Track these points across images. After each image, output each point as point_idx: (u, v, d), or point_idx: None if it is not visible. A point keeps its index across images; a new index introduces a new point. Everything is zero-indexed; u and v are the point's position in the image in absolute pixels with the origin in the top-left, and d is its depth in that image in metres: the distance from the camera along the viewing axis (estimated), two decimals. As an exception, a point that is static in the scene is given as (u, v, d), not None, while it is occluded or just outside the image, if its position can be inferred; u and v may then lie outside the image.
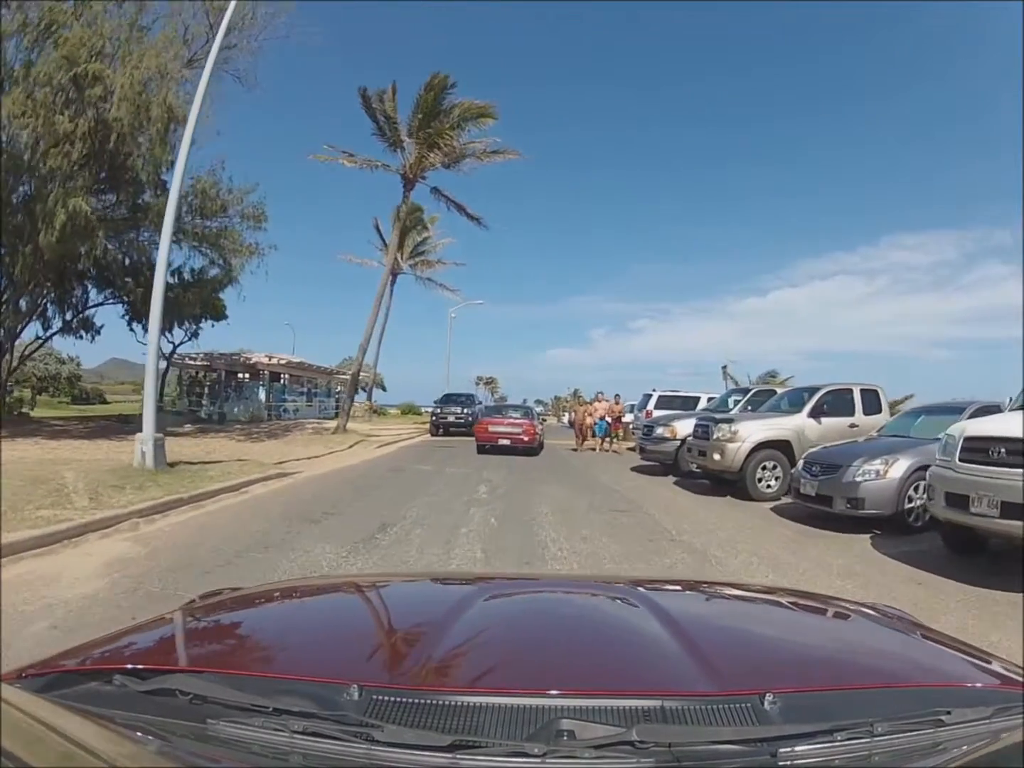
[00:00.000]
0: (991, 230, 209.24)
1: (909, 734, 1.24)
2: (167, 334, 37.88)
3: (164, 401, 47.33)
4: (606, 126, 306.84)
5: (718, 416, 16.76)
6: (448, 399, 40.22)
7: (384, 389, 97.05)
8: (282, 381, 50.44)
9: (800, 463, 12.91)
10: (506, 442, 25.38)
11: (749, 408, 18.73)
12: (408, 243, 51.27)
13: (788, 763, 1.16)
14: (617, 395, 30.43)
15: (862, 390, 16.12)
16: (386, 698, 1.27)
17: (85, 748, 1.02)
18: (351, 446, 25.92)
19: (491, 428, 26.17)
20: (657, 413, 24.79)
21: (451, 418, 37.52)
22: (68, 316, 33.06)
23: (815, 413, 15.56)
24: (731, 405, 20.90)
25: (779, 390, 19.83)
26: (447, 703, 1.26)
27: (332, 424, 35.05)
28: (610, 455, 27.62)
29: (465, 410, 37.66)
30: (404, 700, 1.26)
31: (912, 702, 1.33)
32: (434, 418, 38.78)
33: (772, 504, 14.21)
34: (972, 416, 10.91)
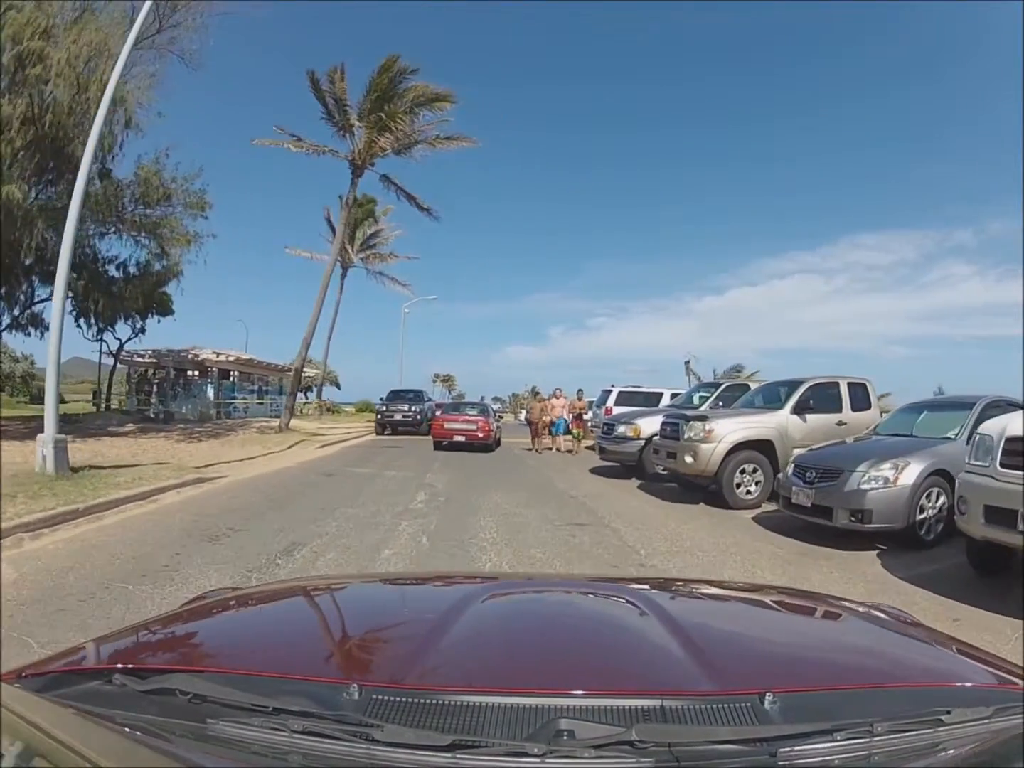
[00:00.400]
0: (951, 231, 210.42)
1: (909, 734, 1.22)
2: (111, 330, 37.36)
3: (112, 400, 46.22)
4: (562, 125, 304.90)
5: (690, 413, 14.65)
6: (395, 396, 37.06)
7: (338, 387, 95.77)
8: (231, 379, 47.99)
9: (790, 468, 10.94)
10: (461, 438, 25.39)
11: (720, 404, 16.93)
12: (359, 235, 49.50)
13: (788, 763, 1.15)
14: (579, 391, 27.69)
15: (850, 384, 14.42)
16: (386, 698, 1.25)
17: (85, 748, 1.03)
18: (290, 447, 23.82)
19: (447, 425, 26.18)
20: (617, 410, 23.05)
21: (398, 416, 34.33)
22: (16, 312, 31.25)
23: (799, 409, 13.66)
24: (698, 401, 19.02)
25: (753, 385, 18.02)
26: (447, 703, 1.24)
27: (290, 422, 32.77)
28: (569, 456, 25.10)
29: (413, 408, 34.69)
30: (404, 700, 1.25)
31: (912, 702, 1.32)
32: (379, 416, 35.38)
33: (753, 513, 12.43)
34: (984, 412, 9.88)
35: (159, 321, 38.43)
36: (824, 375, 14.61)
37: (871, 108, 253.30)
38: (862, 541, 9.40)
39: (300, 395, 57.46)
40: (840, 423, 13.68)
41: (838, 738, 1.18)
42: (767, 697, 1.25)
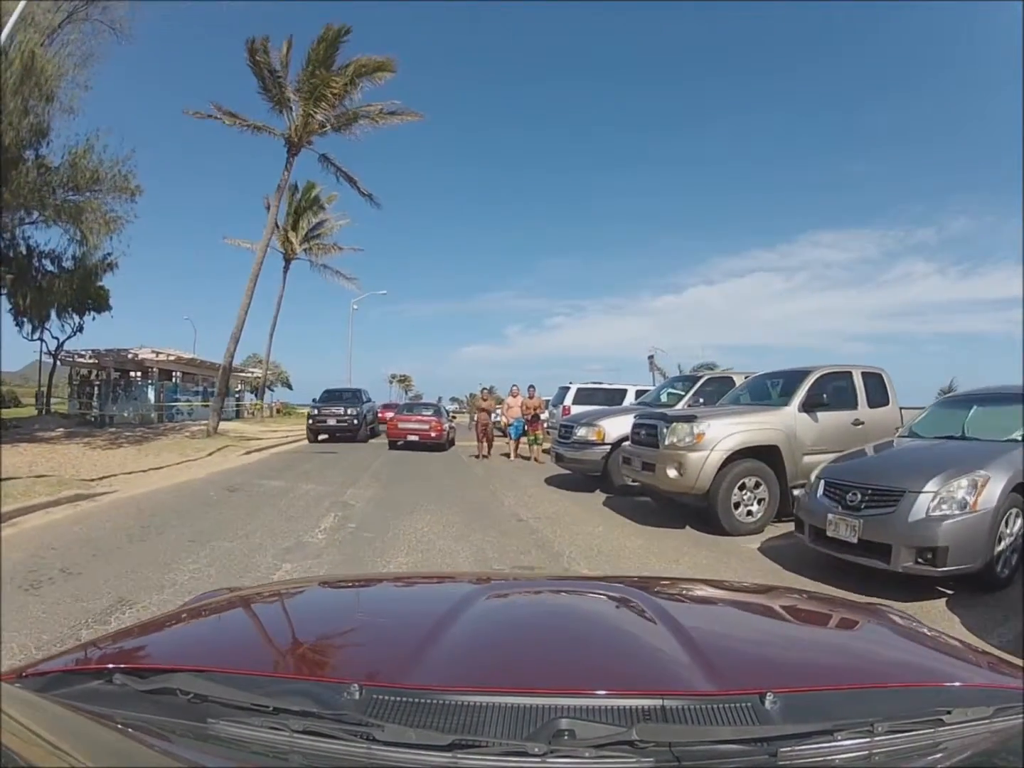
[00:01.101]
0: (913, 229, 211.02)
1: (909, 734, 1.21)
2: (45, 328, 35.38)
3: (57, 403, 43.26)
4: (518, 122, 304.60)
5: (671, 412, 11.40)
6: (330, 396, 31.19)
7: (290, 387, 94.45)
8: (174, 379, 44.83)
9: (819, 485, 7.79)
10: (415, 438, 25.64)
11: (701, 401, 13.86)
12: (303, 225, 45.88)
13: (788, 763, 1.13)
14: (531, 387, 22.84)
15: (863, 374, 11.39)
16: (386, 697, 1.24)
17: (86, 748, 1.01)
18: (210, 453, 20.73)
19: (401, 425, 26.46)
20: (576, 409, 19.84)
21: (332, 421, 28.65)
22: None
23: (809, 406, 10.58)
24: (667, 399, 15.93)
25: (736, 377, 14.88)
26: (447, 702, 1.23)
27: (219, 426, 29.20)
28: (525, 463, 21.50)
29: (350, 410, 28.91)
30: (404, 699, 1.23)
31: (912, 702, 1.32)
32: (311, 421, 29.11)
33: (756, 540, 9.47)
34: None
35: (94, 318, 36.00)
36: (832, 364, 11.51)
37: (833, 109, 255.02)
38: (911, 585, 6.65)
39: (251, 396, 55.92)
40: (856, 422, 10.79)
41: (838, 738, 1.16)
42: (767, 697, 1.22)
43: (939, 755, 1.16)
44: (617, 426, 13.73)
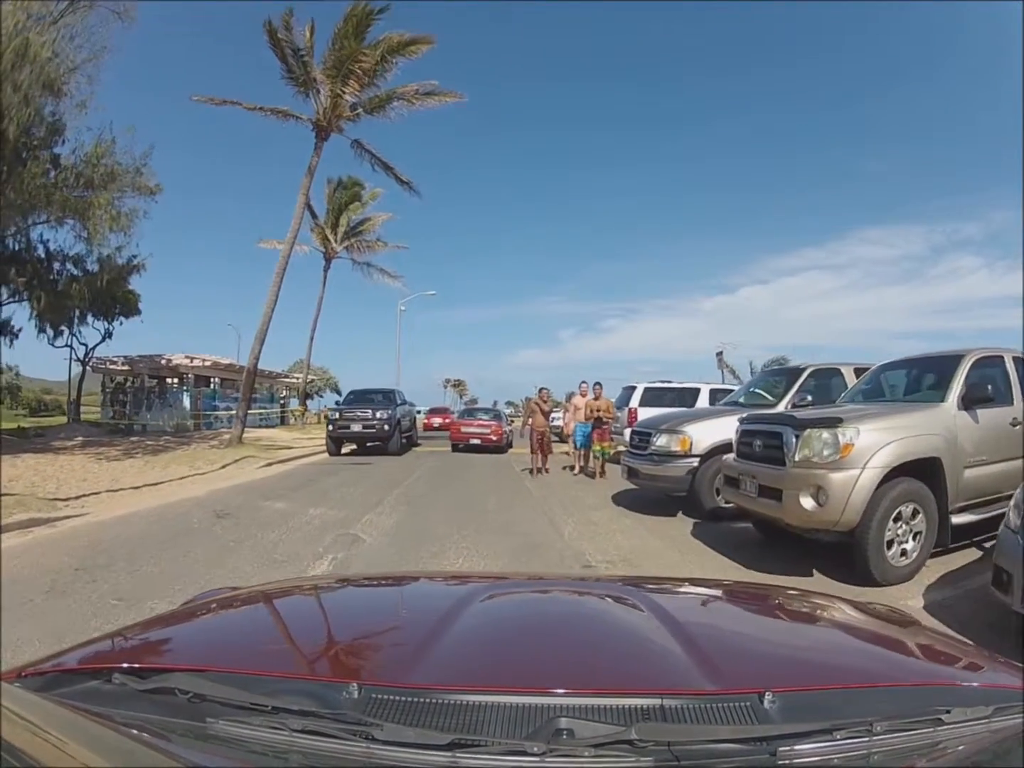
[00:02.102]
0: (959, 224, 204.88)
1: (908, 733, 1.20)
2: (72, 333, 34.71)
3: (90, 410, 42.15)
4: (567, 124, 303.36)
5: (802, 415, 8.13)
6: (356, 397, 25.59)
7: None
8: (212, 386, 43.31)
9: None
10: (476, 441, 26.53)
11: (808, 399, 10.80)
12: (344, 222, 43.39)
13: (787, 762, 1.13)
14: (597, 385, 17.55)
15: (1015, 359, 8.56)
16: (385, 697, 1.24)
17: (85, 748, 1.00)
18: (224, 466, 18.40)
19: (463, 429, 27.56)
20: (644, 412, 17.02)
21: (356, 426, 22.86)
22: None
23: (970, 401, 7.72)
24: (759, 396, 12.65)
25: (844, 370, 11.93)
26: (446, 702, 1.23)
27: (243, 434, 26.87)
28: (584, 478, 17.37)
29: (380, 413, 23.12)
30: (403, 699, 1.24)
31: (912, 701, 1.31)
32: (330, 427, 23.50)
33: (913, 593, 6.83)
34: None
35: (121, 323, 35.71)
36: (984, 347, 8.60)
37: (871, 103, 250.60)
38: None
39: (296, 402, 54.02)
40: (1015, 422, 8.02)
41: (838, 737, 1.15)
42: (767, 696, 1.22)
43: (938, 755, 1.16)
44: (707, 433, 10.90)
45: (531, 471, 18.23)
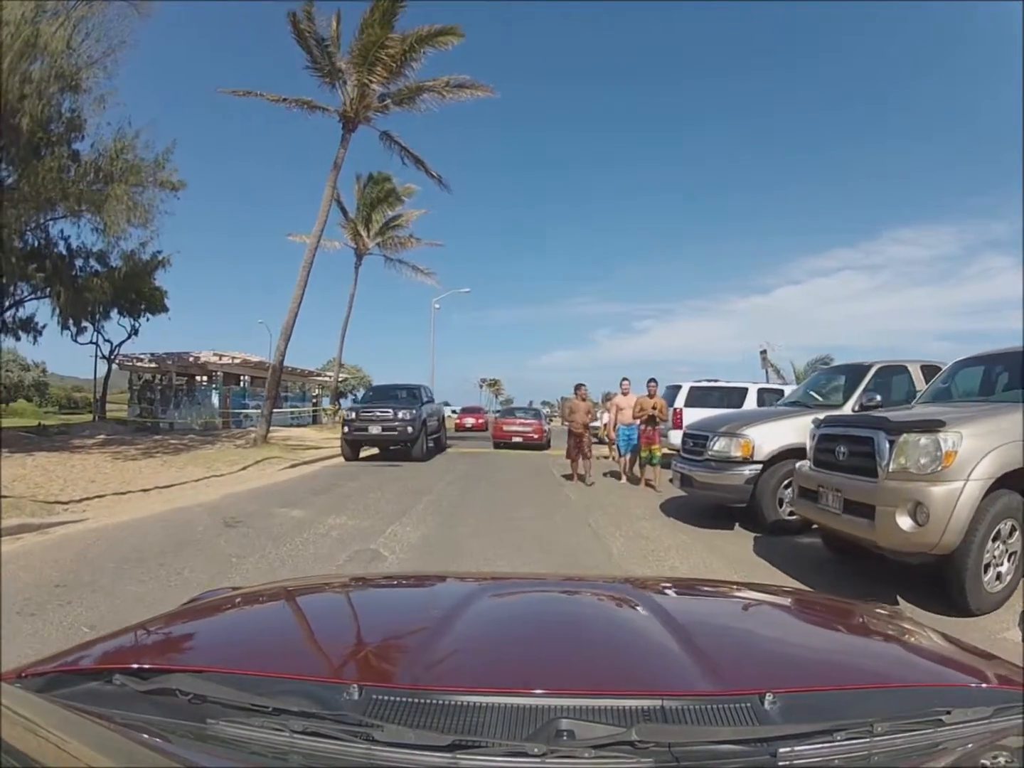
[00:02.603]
0: (988, 222, 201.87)
1: (909, 734, 1.21)
2: (96, 329, 34.59)
3: (118, 408, 42.80)
4: (599, 124, 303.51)
5: (896, 417, 6.92)
6: (376, 395, 23.64)
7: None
8: (242, 384, 42.40)
9: None
10: (519, 439, 28.26)
11: (877, 399, 9.42)
12: (376, 219, 42.22)
13: (788, 763, 1.12)
14: (651, 381, 15.08)
15: None
16: (386, 698, 1.24)
17: (85, 748, 0.99)
18: (244, 467, 17.56)
19: (505, 427, 29.18)
20: (690, 413, 15.99)
21: (375, 428, 20.32)
22: (4, 316, 27.98)
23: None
24: (821, 395, 11.41)
25: (911, 367, 10.86)
26: (447, 703, 1.23)
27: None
28: (631, 487, 15.52)
29: (402, 413, 20.54)
30: (404, 700, 1.24)
31: (912, 702, 1.31)
32: (346, 428, 20.87)
33: (1007, 624, 5.93)
34: None
35: (148, 319, 35.52)
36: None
37: (902, 101, 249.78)
38: None
39: (329, 401, 53.73)
40: None
41: (838, 738, 1.16)
42: (767, 697, 1.23)
43: (939, 755, 1.15)
44: (770, 437, 9.84)
45: (570, 478, 16.20)
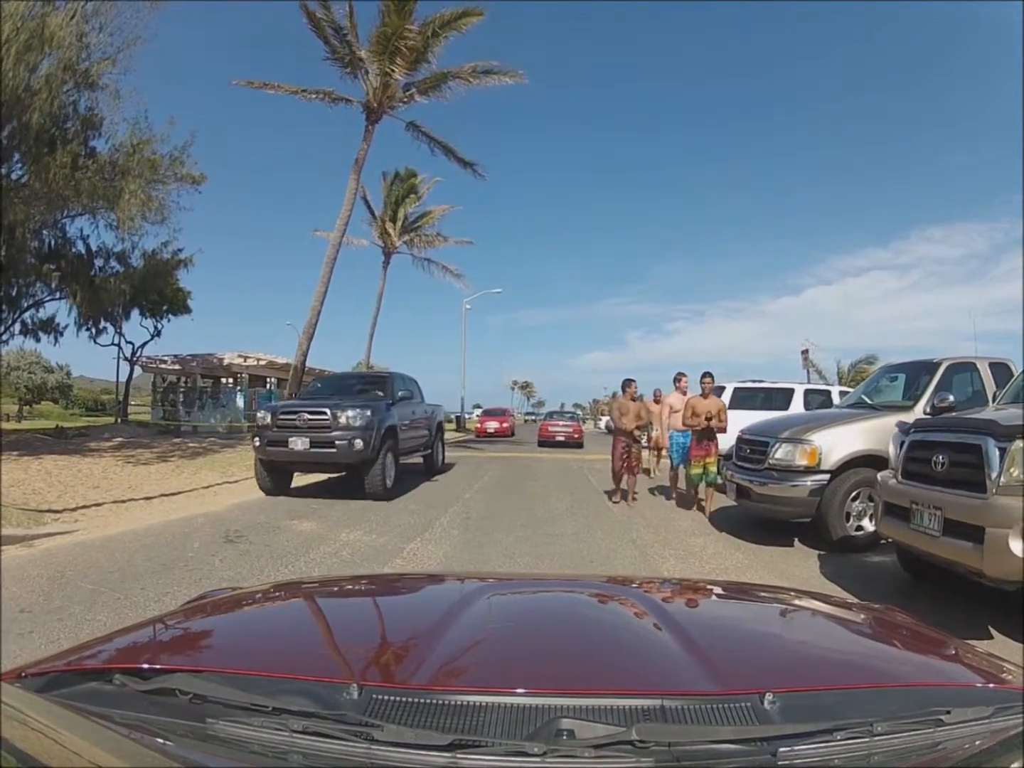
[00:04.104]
0: (1016, 220, 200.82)
1: (909, 734, 1.20)
2: (120, 331, 34.25)
3: (143, 410, 45.26)
4: (630, 124, 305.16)
5: (1008, 419, 5.74)
6: (323, 389, 16.23)
7: None
8: (268, 386, 41.37)
9: None
10: (561, 438, 33.45)
11: (950, 399, 8.13)
12: (401, 215, 41.19)
13: (788, 763, 1.12)
14: (706, 376, 12.11)
15: None
16: (386, 697, 1.23)
17: (85, 748, 1.02)
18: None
19: (550, 428, 34.46)
20: (733, 417, 13.42)
21: (299, 443, 12.65)
22: (24, 317, 27.48)
23: None
24: (875, 396, 10.51)
25: (979, 364, 9.85)
26: (447, 702, 1.22)
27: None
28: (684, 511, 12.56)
29: (346, 416, 12.76)
30: (404, 699, 1.23)
31: (912, 702, 1.29)
32: (257, 442, 13.19)
33: None
34: None
35: (169, 320, 36.05)
36: None
37: (933, 99, 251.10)
38: None
39: None
40: None
41: (838, 738, 1.14)
42: (767, 697, 1.22)
43: (939, 755, 1.15)
44: (839, 442, 8.75)
45: (612, 494, 13.26)
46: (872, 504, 8.39)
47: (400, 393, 14.94)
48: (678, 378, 14.11)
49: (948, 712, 1.21)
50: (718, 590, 2.56)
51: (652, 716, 1.18)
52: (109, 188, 20.53)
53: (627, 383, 13.10)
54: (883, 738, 1.15)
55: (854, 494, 8.62)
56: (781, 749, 1.10)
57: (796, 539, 9.22)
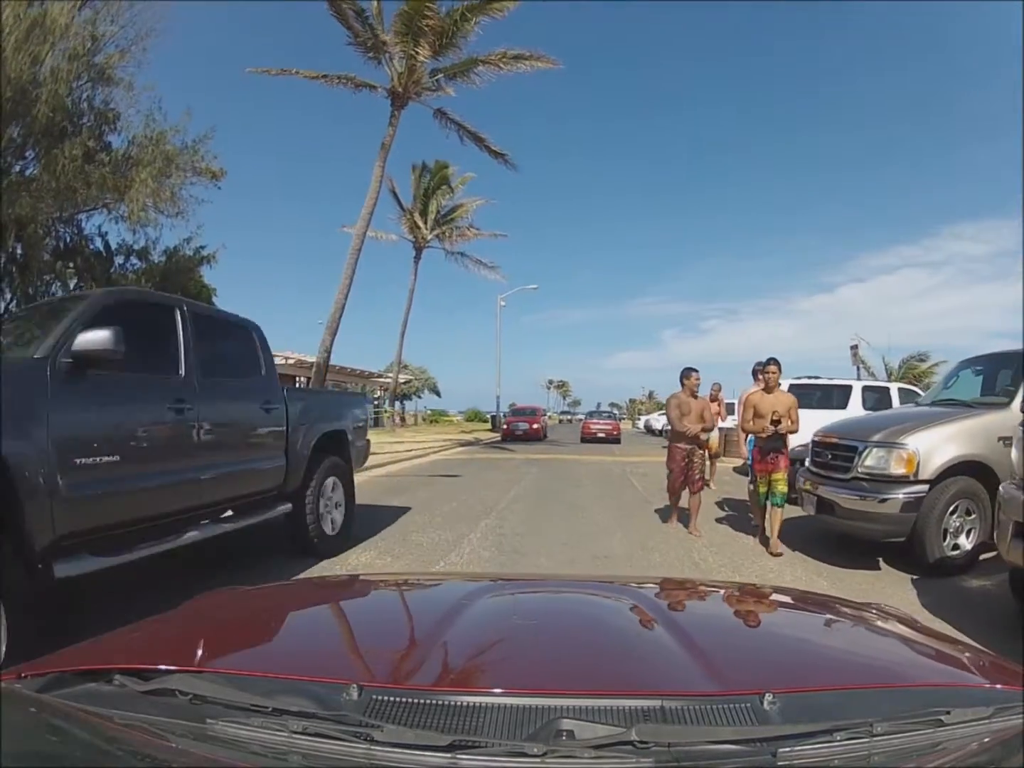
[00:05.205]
0: None
1: (909, 734, 1.18)
2: None
3: None
4: (664, 118, 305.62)
5: None
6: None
7: (438, 394, 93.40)
8: (297, 384, 39.59)
9: None
10: (602, 434, 36.95)
11: None
12: (432, 208, 40.60)
13: (788, 763, 1.10)
14: (771, 362, 8.94)
15: None
16: (386, 698, 1.22)
17: (85, 748, 1.05)
18: None
19: (592, 426, 37.98)
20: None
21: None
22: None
23: None
24: (961, 393, 9.14)
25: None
26: (447, 703, 1.21)
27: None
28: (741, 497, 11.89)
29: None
30: (404, 700, 1.21)
31: (912, 702, 1.28)
32: None
33: None
34: None
35: None
36: None
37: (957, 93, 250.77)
38: None
39: (399, 405, 54.10)
40: None
41: (838, 738, 1.13)
42: (767, 697, 1.20)
43: (939, 755, 1.13)
44: (938, 446, 7.51)
45: (669, 516, 10.57)
46: (971, 519, 7.35)
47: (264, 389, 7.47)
48: (762, 369, 9.75)
49: (948, 712, 1.19)
50: (718, 591, 2.58)
51: (652, 716, 1.17)
52: (120, 179, 19.87)
53: (687, 373, 10.27)
54: (883, 738, 1.13)
55: (952, 507, 7.46)
56: (781, 749, 1.09)
57: (880, 560, 7.96)
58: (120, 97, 20.25)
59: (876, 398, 15.19)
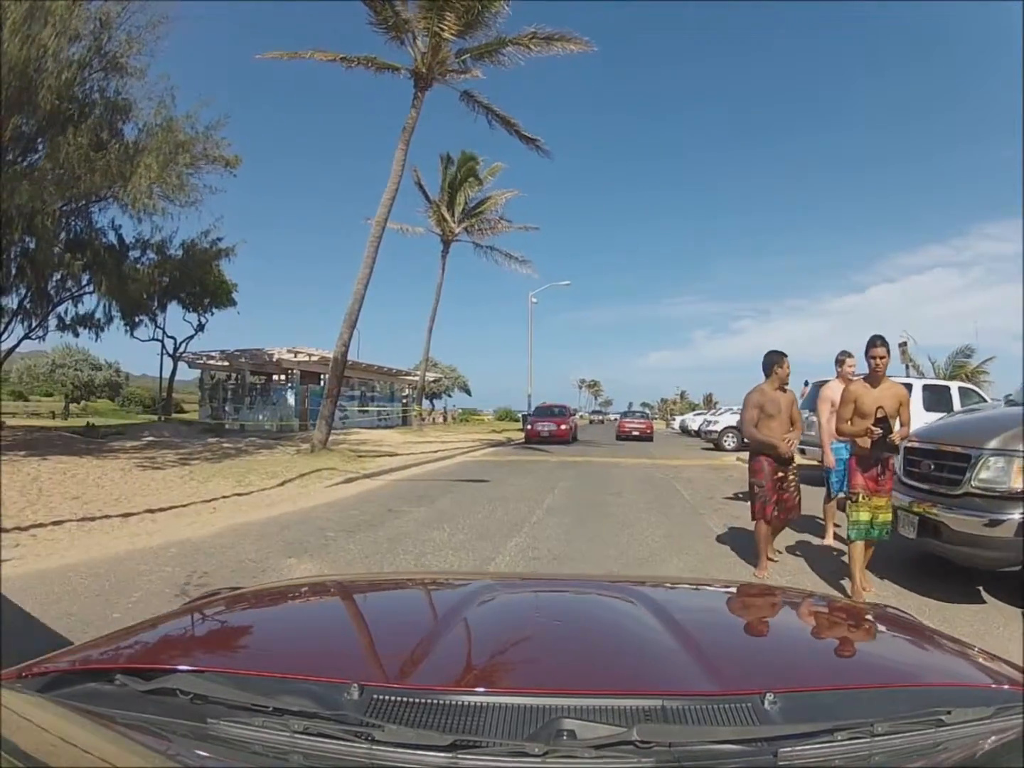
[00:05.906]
0: None
1: (909, 734, 1.19)
2: (158, 323, 34.00)
3: (190, 408, 45.44)
4: (692, 118, 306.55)
5: None
6: None
7: (468, 392, 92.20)
8: (320, 382, 38.88)
9: None
10: (636, 433, 39.91)
11: None
12: (460, 200, 39.55)
13: (788, 763, 1.11)
14: (878, 341, 6.51)
15: None
16: (386, 698, 1.23)
17: (85, 748, 1.01)
18: (284, 482, 14.09)
19: (627, 425, 40.95)
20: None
21: None
22: (59, 311, 26.85)
23: None
24: None
25: None
26: (447, 702, 1.22)
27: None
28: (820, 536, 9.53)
29: None
30: (404, 700, 1.23)
31: (912, 702, 1.28)
32: None
33: None
34: None
35: (212, 314, 35.66)
36: None
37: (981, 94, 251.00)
38: None
39: (427, 403, 53.29)
40: None
41: (838, 738, 1.14)
42: (767, 697, 1.21)
43: (939, 755, 1.14)
44: None
45: (760, 565, 7.47)
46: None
47: None
48: (844, 359, 8.98)
49: (949, 712, 1.19)
50: (719, 591, 2.53)
51: (653, 716, 1.17)
52: (124, 165, 19.00)
53: (777, 358, 7.63)
54: (883, 738, 1.14)
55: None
56: (782, 749, 1.09)
57: (982, 588, 6.59)
58: (132, 87, 20.10)
59: (936, 398, 14.50)
